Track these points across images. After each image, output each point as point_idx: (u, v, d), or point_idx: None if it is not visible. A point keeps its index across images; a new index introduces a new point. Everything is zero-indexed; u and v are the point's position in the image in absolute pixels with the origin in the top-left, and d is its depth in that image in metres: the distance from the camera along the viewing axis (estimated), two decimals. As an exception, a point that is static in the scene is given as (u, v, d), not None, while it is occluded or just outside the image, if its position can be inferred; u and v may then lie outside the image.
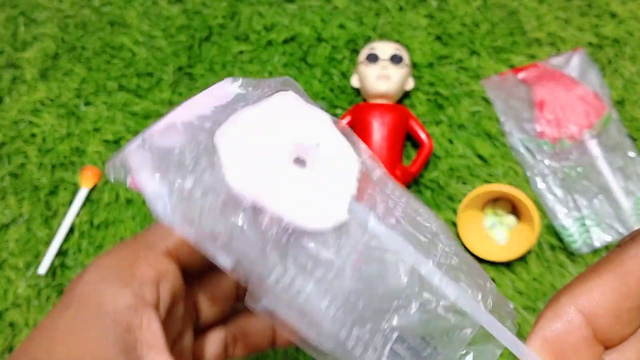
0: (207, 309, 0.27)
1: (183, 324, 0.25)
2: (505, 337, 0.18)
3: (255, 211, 0.18)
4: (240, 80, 0.21)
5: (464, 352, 0.20)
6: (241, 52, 0.58)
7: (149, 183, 0.18)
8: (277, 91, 0.21)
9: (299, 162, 0.20)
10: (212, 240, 0.18)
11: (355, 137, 0.22)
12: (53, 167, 0.55)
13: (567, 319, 0.17)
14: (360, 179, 0.20)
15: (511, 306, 0.21)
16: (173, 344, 0.25)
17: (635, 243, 0.17)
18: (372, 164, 0.21)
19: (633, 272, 0.17)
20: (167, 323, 0.23)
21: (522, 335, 0.18)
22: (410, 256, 0.19)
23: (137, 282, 0.22)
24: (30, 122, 0.56)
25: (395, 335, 0.19)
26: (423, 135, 0.51)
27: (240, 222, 0.18)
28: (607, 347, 0.18)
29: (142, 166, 0.18)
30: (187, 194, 0.18)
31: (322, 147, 0.20)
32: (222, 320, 0.28)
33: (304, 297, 0.18)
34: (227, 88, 0.21)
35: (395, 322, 0.19)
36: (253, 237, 0.18)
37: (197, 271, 0.26)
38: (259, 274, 0.18)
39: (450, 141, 0.53)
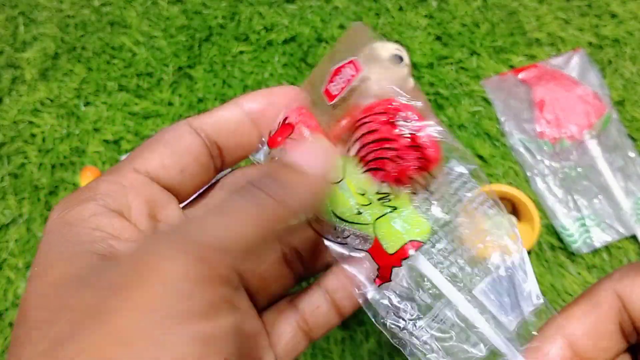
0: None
1: None
2: None
3: None
4: None
5: None
6: (241, 53, 0.58)
7: None
8: None
9: None
10: None
11: None
12: (53, 167, 0.55)
13: (550, 343, 0.20)
14: None
15: None
16: None
17: (608, 277, 0.20)
18: None
19: (604, 300, 0.20)
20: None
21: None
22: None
23: (99, 195, 0.19)
24: (30, 122, 0.56)
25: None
26: (423, 136, 0.51)
27: None
28: None
29: None
30: None
31: None
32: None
33: None
34: None
35: None
36: None
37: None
38: None
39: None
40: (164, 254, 0.16)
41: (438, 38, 0.57)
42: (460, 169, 0.23)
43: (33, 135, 0.56)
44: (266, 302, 0.23)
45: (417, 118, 0.22)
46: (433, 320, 0.22)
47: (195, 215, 0.20)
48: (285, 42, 0.58)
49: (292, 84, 0.56)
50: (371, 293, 0.22)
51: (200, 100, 0.56)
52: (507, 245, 0.22)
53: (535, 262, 0.49)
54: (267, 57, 0.57)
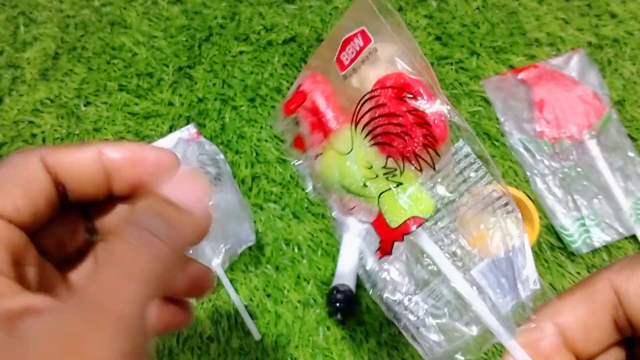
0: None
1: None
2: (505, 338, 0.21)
3: None
4: None
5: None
6: (241, 53, 0.58)
7: None
8: None
9: None
10: None
11: None
12: (53, 167, 0.55)
13: (541, 329, 0.20)
14: None
15: None
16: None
17: (606, 269, 0.20)
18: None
19: (600, 292, 0.19)
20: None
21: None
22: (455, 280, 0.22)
23: None
24: (31, 122, 0.56)
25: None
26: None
27: None
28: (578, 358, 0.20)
29: None
30: None
31: None
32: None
33: None
34: None
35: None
36: None
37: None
38: None
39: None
40: (92, 337, 0.15)
41: (438, 38, 0.57)
42: (467, 149, 0.23)
43: (33, 136, 0.56)
44: None
45: (426, 95, 0.22)
46: (429, 296, 0.23)
47: (92, 275, 0.18)
48: (285, 42, 0.58)
49: (292, 84, 0.56)
50: (371, 264, 0.23)
51: (200, 100, 0.56)
52: (509, 228, 0.23)
53: (535, 262, 0.49)
54: (267, 57, 0.57)
